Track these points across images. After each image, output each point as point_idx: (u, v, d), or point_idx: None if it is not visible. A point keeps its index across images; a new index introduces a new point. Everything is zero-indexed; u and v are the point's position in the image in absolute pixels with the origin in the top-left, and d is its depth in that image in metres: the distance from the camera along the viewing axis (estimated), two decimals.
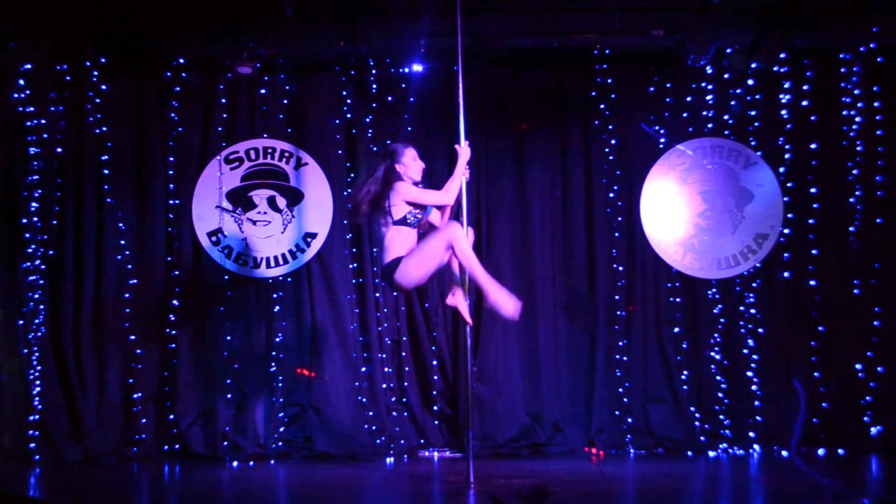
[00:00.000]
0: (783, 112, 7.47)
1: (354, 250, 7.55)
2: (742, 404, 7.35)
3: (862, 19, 7.12)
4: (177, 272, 7.46)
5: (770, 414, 7.32)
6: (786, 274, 7.46)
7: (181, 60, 7.36)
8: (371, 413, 7.37)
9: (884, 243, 7.35)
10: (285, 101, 7.57)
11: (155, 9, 7.03)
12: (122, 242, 7.44)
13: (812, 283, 7.39)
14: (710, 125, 7.53)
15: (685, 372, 7.44)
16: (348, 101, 7.53)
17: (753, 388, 7.35)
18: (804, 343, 7.36)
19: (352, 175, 7.55)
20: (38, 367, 7.29)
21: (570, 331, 7.53)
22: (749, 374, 7.37)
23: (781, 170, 7.48)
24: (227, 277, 7.47)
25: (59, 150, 7.42)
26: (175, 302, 7.43)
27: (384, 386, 7.43)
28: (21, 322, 7.34)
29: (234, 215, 7.50)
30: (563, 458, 7.19)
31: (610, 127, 7.51)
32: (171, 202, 7.50)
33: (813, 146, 7.43)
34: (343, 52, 7.26)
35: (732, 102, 7.49)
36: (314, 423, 7.36)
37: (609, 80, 7.45)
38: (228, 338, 7.41)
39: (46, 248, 7.37)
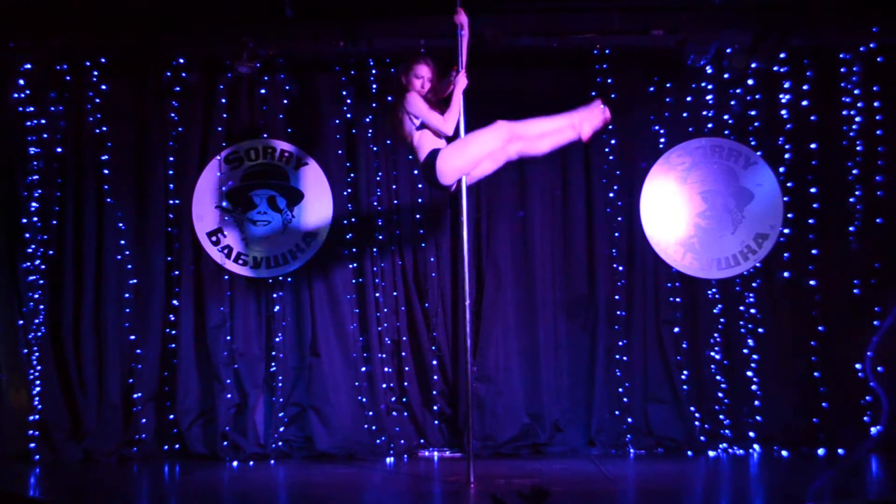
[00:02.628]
0: (783, 112, 7.46)
1: (354, 250, 7.54)
2: (742, 404, 7.35)
3: (862, 19, 7.12)
4: (177, 272, 7.46)
5: (770, 414, 7.32)
6: (786, 274, 7.46)
7: (181, 60, 7.34)
8: (371, 413, 7.37)
9: (884, 243, 7.35)
10: (285, 101, 7.56)
11: (155, 8, 7.02)
12: (122, 242, 7.44)
13: (812, 283, 7.38)
14: (710, 125, 7.52)
15: (685, 372, 7.44)
16: (348, 101, 7.53)
17: (753, 388, 7.35)
18: (804, 343, 7.37)
19: (352, 175, 7.55)
20: (38, 367, 7.30)
21: (570, 331, 7.52)
22: (749, 374, 7.37)
23: (781, 170, 7.47)
24: (227, 277, 7.47)
25: (59, 150, 7.42)
26: (175, 302, 7.44)
27: (384, 386, 7.43)
28: (21, 322, 7.35)
29: (234, 215, 7.50)
30: (563, 458, 7.19)
31: (610, 127, 7.49)
32: (171, 202, 7.50)
33: (813, 146, 7.43)
34: (343, 52, 7.27)
35: (732, 102, 7.49)
36: (314, 423, 7.35)
37: (609, 80, 7.45)
38: (228, 338, 7.41)
39: (46, 248, 7.37)
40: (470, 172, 6.11)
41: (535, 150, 6.17)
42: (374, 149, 7.54)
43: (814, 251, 7.39)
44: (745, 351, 7.39)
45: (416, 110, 6.01)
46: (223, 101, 7.52)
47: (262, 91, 7.54)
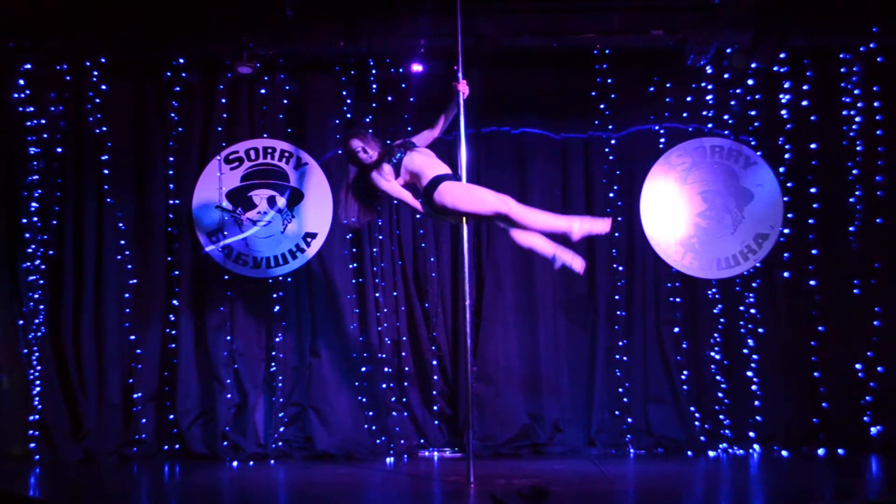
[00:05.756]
0: (783, 112, 7.47)
1: (354, 250, 7.55)
2: (742, 404, 7.35)
3: (862, 19, 7.12)
4: (177, 272, 7.46)
5: (770, 414, 7.32)
6: (786, 274, 7.46)
7: (181, 60, 7.36)
8: (371, 413, 7.38)
9: (884, 243, 7.35)
10: (285, 101, 7.57)
11: (155, 8, 7.02)
12: (122, 242, 7.44)
13: (812, 283, 7.39)
14: (710, 125, 7.53)
15: (685, 372, 7.44)
16: (348, 101, 7.53)
17: (753, 388, 7.35)
18: (804, 343, 7.37)
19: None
20: (38, 367, 7.30)
21: (570, 331, 7.53)
22: (749, 374, 7.37)
23: (781, 170, 7.48)
24: (227, 277, 7.47)
25: (59, 150, 7.42)
26: (175, 302, 7.44)
27: (384, 386, 7.43)
28: (21, 322, 7.34)
29: (234, 215, 7.50)
30: (563, 458, 7.19)
31: (610, 127, 7.52)
32: (171, 202, 7.50)
33: (813, 146, 7.43)
34: (343, 52, 7.27)
35: (732, 102, 7.50)
36: (314, 423, 7.35)
37: (609, 80, 7.45)
38: (228, 338, 7.41)
39: (46, 248, 7.37)
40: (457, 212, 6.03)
41: (518, 234, 6.07)
42: None
43: (814, 251, 7.40)
44: (745, 351, 7.39)
45: (383, 186, 6.08)
46: (223, 101, 7.52)
47: (262, 91, 7.54)
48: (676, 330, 7.46)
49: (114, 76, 7.47)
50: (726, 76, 7.41)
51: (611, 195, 7.53)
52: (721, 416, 7.36)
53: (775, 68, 7.35)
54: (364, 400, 7.40)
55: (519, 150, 7.57)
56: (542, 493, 5.53)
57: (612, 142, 7.52)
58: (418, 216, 7.49)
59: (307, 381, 7.44)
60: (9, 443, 7.29)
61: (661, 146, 7.54)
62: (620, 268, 7.52)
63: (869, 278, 7.33)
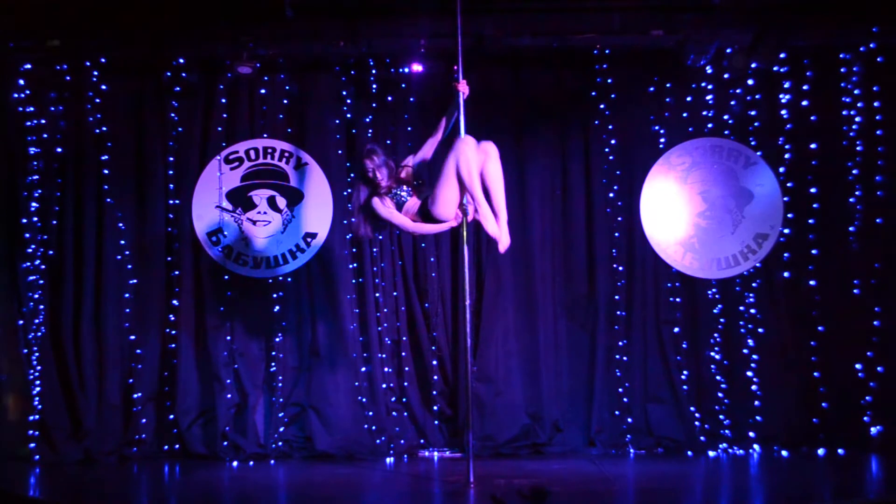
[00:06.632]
0: (783, 112, 7.47)
1: (354, 250, 7.55)
2: (742, 404, 7.35)
3: (862, 19, 7.13)
4: (177, 272, 7.46)
5: (770, 414, 7.32)
6: (786, 274, 7.46)
7: (181, 60, 7.35)
8: (371, 413, 7.38)
9: (884, 243, 7.35)
10: (285, 101, 7.57)
11: (155, 9, 7.03)
12: (122, 242, 7.44)
13: (812, 283, 7.39)
14: (710, 125, 7.53)
15: (685, 372, 7.44)
16: (348, 101, 7.54)
17: (753, 388, 7.35)
18: (804, 343, 7.36)
19: (352, 175, 7.55)
20: (38, 367, 7.30)
21: (570, 331, 7.53)
22: (749, 374, 7.37)
23: (781, 170, 7.48)
24: (227, 277, 7.47)
25: (59, 150, 7.42)
26: (175, 302, 7.44)
27: (384, 386, 7.43)
28: (21, 322, 7.34)
29: (234, 215, 7.50)
30: (563, 458, 7.19)
31: (610, 127, 7.52)
32: (171, 202, 7.50)
33: (813, 146, 7.44)
34: (343, 52, 7.28)
35: (732, 102, 7.50)
36: (314, 423, 7.36)
37: (609, 80, 7.45)
38: (228, 338, 7.41)
39: (46, 248, 7.38)
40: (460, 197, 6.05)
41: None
42: None
43: (814, 251, 7.40)
44: (745, 351, 7.40)
45: (384, 213, 6.14)
46: (223, 101, 7.52)
47: (262, 91, 7.54)
48: (676, 330, 7.46)
49: (114, 76, 7.47)
50: (726, 76, 7.41)
51: (611, 195, 7.53)
52: (721, 416, 7.36)
53: (775, 68, 7.35)
54: (364, 400, 7.40)
55: (519, 150, 7.56)
56: (542, 493, 5.53)
57: (612, 142, 7.52)
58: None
59: (307, 381, 7.44)
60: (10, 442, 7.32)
61: (661, 146, 7.54)
62: (620, 268, 7.52)
63: (869, 278, 7.33)
